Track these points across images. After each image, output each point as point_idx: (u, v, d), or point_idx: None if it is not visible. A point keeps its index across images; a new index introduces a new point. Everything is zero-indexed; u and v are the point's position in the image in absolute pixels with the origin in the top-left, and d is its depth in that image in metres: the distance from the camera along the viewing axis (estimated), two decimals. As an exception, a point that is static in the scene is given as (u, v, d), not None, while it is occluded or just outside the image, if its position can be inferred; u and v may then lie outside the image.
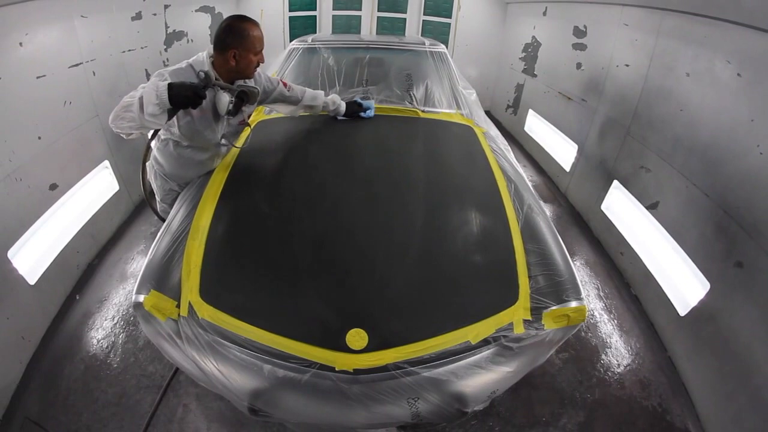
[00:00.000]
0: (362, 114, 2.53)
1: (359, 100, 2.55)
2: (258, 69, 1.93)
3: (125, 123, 1.55)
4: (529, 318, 1.43)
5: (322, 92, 2.40)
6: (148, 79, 3.64)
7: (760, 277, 1.79)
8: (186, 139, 1.88)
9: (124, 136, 1.66)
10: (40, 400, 2.03)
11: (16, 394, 2.02)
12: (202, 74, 1.68)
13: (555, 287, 1.50)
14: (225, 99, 1.74)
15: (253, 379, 1.33)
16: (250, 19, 1.77)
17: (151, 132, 1.77)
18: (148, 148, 1.83)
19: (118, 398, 2.04)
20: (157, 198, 2.21)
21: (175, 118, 1.76)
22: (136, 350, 2.28)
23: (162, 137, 1.95)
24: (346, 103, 2.51)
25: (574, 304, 1.45)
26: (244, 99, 1.81)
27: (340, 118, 2.52)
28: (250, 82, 1.92)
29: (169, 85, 1.50)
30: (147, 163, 2.13)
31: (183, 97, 1.52)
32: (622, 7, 3.13)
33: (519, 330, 1.40)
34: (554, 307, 1.45)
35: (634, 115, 2.93)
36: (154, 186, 2.17)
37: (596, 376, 2.25)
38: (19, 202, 2.17)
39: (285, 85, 2.17)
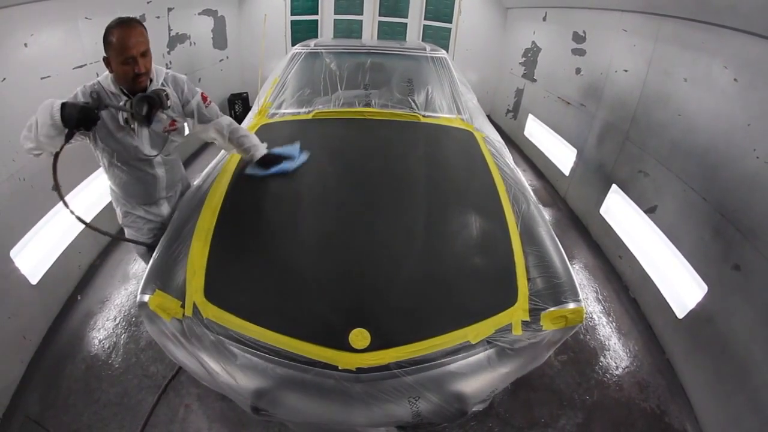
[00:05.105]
0: (275, 169, 2.02)
1: (283, 153, 2.10)
2: (172, 73, 1.77)
3: (28, 143, 1.46)
4: (528, 319, 1.45)
5: (248, 131, 2.07)
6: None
7: (757, 279, 1.81)
8: (114, 155, 1.71)
9: (34, 156, 1.55)
10: (41, 399, 2.04)
11: (16, 393, 2.03)
12: (94, 95, 1.49)
13: (553, 289, 1.52)
14: (119, 116, 1.62)
15: (256, 378, 1.35)
16: (124, 20, 1.51)
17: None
18: (56, 159, 1.55)
19: (119, 398, 2.05)
20: (121, 223, 1.98)
21: (94, 134, 1.62)
22: (138, 351, 2.29)
23: (105, 161, 1.75)
24: (267, 153, 2.06)
25: (571, 305, 1.47)
26: (153, 104, 1.58)
27: (250, 170, 2.05)
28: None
29: (63, 104, 1.40)
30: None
31: (74, 119, 1.40)
32: (621, 13, 3.17)
33: (517, 331, 1.42)
34: (552, 309, 1.46)
35: (632, 120, 2.96)
36: (118, 213, 1.96)
37: (595, 378, 2.26)
38: (23, 201, 2.18)
39: (205, 99, 1.86)
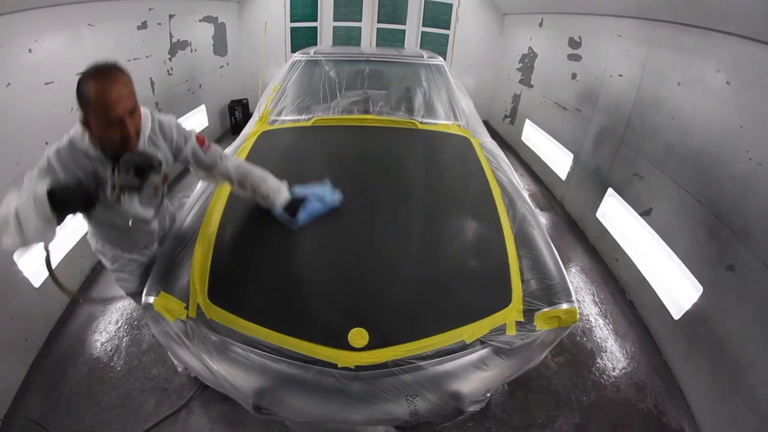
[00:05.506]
0: (303, 217, 1.75)
1: (311, 194, 1.81)
2: (159, 117, 1.47)
3: (7, 240, 1.15)
4: (522, 320, 1.48)
5: (263, 171, 1.75)
6: (153, 88, 3.69)
7: (751, 279, 1.84)
8: (101, 221, 1.54)
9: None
10: (43, 401, 2.06)
11: (18, 395, 2.05)
12: (89, 174, 1.27)
13: (546, 290, 1.55)
14: (107, 190, 1.32)
15: (258, 377, 1.38)
16: (101, 69, 1.19)
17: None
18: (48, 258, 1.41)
19: (121, 400, 2.06)
20: (110, 268, 1.77)
21: None
22: (140, 353, 2.31)
23: (93, 223, 1.59)
24: (292, 197, 1.78)
25: (565, 306, 1.50)
26: (146, 170, 1.30)
27: (276, 216, 1.78)
28: (154, 147, 1.44)
29: (50, 192, 1.14)
30: (88, 236, 1.76)
31: (71, 205, 1.18)
32: (615, 19, 3.22)
33: (512, 331, 1.45)
34: (546, 309, 1.49)
35: (627, 124, 3.00)
36: (105, 262, 1.77)
37: (592, 380, 2.28)
38: (26, 206, 2.20)
39: (202, 143, 1.58)
